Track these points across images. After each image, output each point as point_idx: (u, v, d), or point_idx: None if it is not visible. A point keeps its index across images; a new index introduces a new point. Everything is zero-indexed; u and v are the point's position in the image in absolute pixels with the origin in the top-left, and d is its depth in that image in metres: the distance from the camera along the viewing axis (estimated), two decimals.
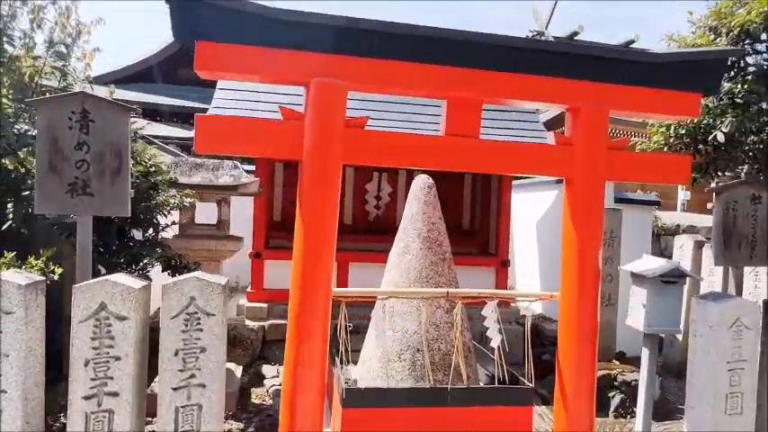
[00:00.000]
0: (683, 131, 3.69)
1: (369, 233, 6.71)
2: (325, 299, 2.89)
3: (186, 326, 2.37)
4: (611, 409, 4.67)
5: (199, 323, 2.38)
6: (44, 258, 2.71)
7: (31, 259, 2.67)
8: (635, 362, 4.75)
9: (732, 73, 3.74)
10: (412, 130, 5.23)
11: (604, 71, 3.09)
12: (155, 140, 3.55)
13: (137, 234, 3.76)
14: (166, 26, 2.69)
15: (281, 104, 2.91)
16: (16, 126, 3.42)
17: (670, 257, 6.34)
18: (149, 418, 3.06)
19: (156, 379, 2.70)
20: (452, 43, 2.86)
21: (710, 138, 3.55)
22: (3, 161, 3.09)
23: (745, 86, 3.59)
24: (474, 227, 7.17)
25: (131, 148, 3.39)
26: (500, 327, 3.36)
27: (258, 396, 4.79)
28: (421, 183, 3.91)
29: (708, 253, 5.36)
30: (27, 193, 3.03)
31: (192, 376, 2.38)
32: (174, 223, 3.86)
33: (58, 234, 3.13)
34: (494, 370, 3.96)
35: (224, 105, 5.57)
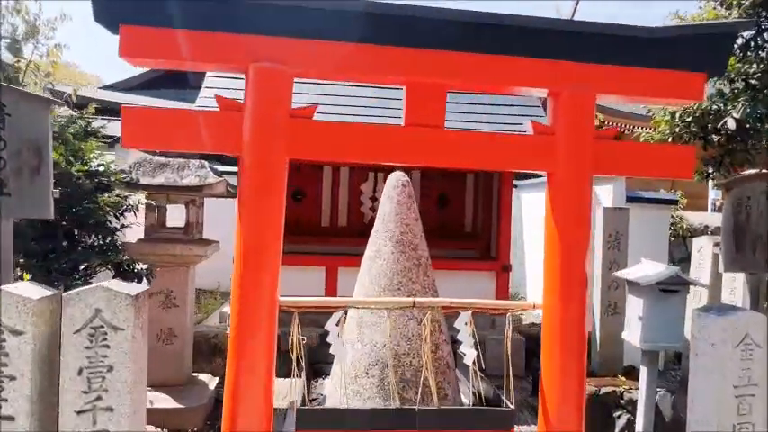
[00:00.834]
0: (690, 119, 3.24)
1: (363, 236, 6.37)
2: (270, 309, 2.60)
3: (91, 341, 2.10)
4: (617, 430, 4.21)
5: (105, 338, 2.10)
6: None
7: None
8: None
9: (748, 52, 3.27)
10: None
11: (589, 49, 2.71)
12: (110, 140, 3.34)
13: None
14: None
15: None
16: None
17: None
18: None
19: None
20: (407, 21, 2.53)
21: (720, 124, 3.10)
22: None
23: (761, 66, 3.13)
24: (476, 229, 6.77)
25: (77, 146, 3.17)
26: (475, 341, 2.99)
27: None
28: (394, 180, 3.57)
29: None
30: None
31: (99, 398, 2.11)
32: (123, 226, 3.63)
33: None
34: (484, 387, 3.60)
35: (209, 105, 5.35)
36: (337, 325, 2.90)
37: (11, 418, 2.04)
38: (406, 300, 2.92)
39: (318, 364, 4.26)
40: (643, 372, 2.93)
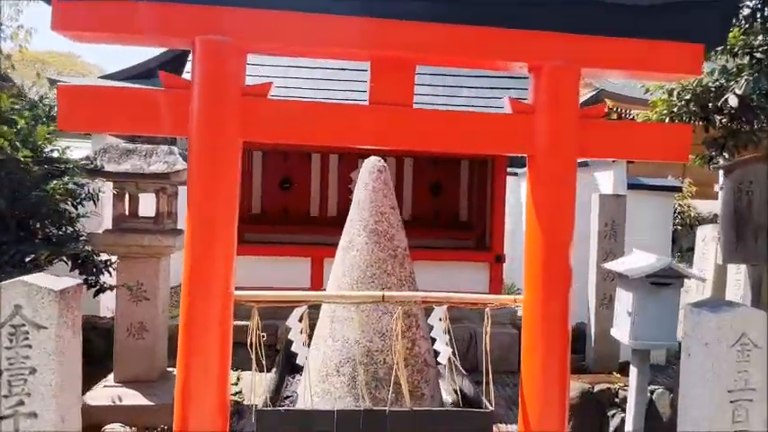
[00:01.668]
0: (689, 97, 2.97)
1: None
2: (223, 303, 2.40)
3: (11, 341, 1.91)
4: (610, 430, 3.98)
5: (27, 338, 1.92)
6: None
7: None
8: None
9: (754, 24, 2.99)
10: None
11: (572, 19, 2.45)
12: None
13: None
14: None
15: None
16: None
17: None
18: None
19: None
20: None
21: (721, 102, 2.82)
22: None
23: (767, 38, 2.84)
24: (471, 218, 6.52)
25: (27, 131, 2.98)
26: (450, 338, 2.78)
27: None
28: (369, 166, 3.35)
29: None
30: None
31: (20, 403, 1.92)
32: (79, 216, 3.43)
33: None
34: (467, 385, 3.39)
35: None
36: (300, 321, 2.70)
37: None
38: (374, 294, 2.71)
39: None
40: (633, 372, 2.70)
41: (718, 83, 2.98)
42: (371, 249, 3.18)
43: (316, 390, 3.08)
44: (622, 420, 4.02)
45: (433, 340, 2.84)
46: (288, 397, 3.49)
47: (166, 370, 4.21)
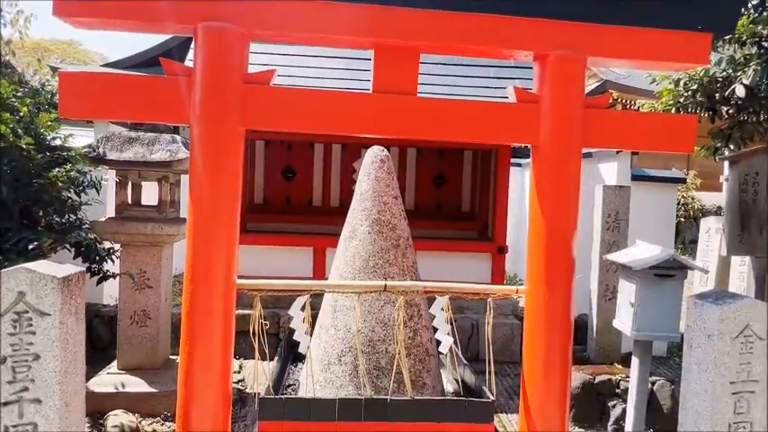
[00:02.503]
0: (696, 87, 2.94)
1: None
2: (225, 292, 2.40)
3: (15, 328, 1.92)
4: (611, 421, 4.00)
5: (30, 324, 1.93)
6: None
7: None
8: None
9: (764, 12, 2.94)
10: None
11: (578, 6, 2.41)
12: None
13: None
14: None
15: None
16: None
17: None
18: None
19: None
20: None
21: (728, 92, 2.79)
22: None
23: None
24: (474, 209, 6.50)
25: (28, 118, 2.97)
26: (451, 327, 2.78)
27: None
28: (372, 155, 3.33)
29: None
30: None
31: (25, 389, 1.94)
32: (83, 204, 3.42)
33: None
34: (468, 375, 3.40)
35: None
36: (302, 310, 2.70)
37: None
38: (376, 283, 2.71)
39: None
40: (635, 363, 2.70)
41: (725, 73, 2.95)
42: (374, 239, 3.17)
43: (318, 378, 3.09)
44: (623, 411, 4.03)
45: (435, 330, 2.84)
46: (290, 385, 3.51)
47: (169, 358, 4.24)
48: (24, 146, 2.82)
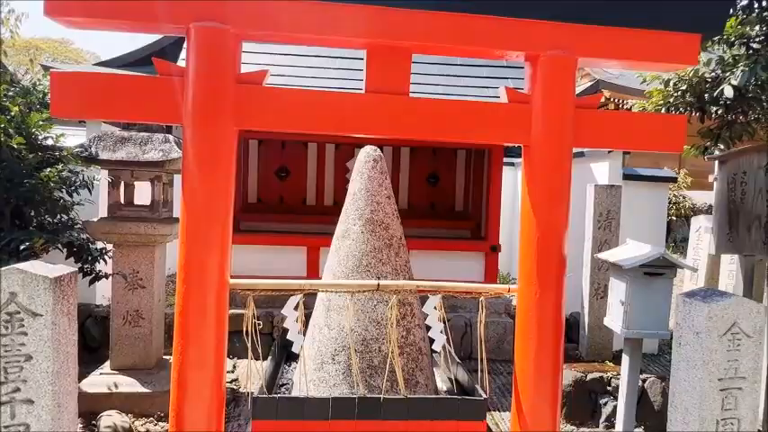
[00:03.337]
0: (685, 87, 2.97)
1: None
2: (219, 291, 2.41)
3: (7, 328, 1.92)
4: (602, 418, 4.04)
5: (22, 325, 1.92)
6: None
7: None
8: None
9: (752, 14, 2.98)
10: None
11: (569, 7, 2.44)
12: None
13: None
14: None
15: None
16: None
17: None
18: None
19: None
20: None
21: (716, 92, 2.82)
22: None
23: (765, 28, 2.83)
24: (467, 208, 6.53)
25: (19, 117, 2.95)
26: (444, 326, 2.80)
27: None
28: (365, 155, 3.34)
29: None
30: None
31: (17, 390, 1.94)
32: (75, 204, 3.41)
33: None
34: (461, 374, 3.42)
35: None
36: (296, 309, 2.71)
37: None
38: (369, 282, 2.72)
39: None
40: (625, 361, 2.73)
41: (714, 73, 2.98)
42: (367, 238, 3.18)
43: (311, 378, 3.10)
44: (614, 408, 4.07)
45: (428, 328, 2.86)
46: (283, 385, 3.52)
47: (163, 358, 4.22)
48: (16, 146, 2.81)
